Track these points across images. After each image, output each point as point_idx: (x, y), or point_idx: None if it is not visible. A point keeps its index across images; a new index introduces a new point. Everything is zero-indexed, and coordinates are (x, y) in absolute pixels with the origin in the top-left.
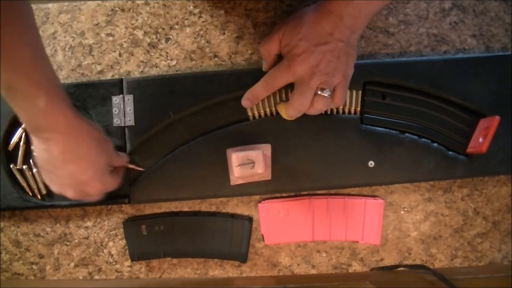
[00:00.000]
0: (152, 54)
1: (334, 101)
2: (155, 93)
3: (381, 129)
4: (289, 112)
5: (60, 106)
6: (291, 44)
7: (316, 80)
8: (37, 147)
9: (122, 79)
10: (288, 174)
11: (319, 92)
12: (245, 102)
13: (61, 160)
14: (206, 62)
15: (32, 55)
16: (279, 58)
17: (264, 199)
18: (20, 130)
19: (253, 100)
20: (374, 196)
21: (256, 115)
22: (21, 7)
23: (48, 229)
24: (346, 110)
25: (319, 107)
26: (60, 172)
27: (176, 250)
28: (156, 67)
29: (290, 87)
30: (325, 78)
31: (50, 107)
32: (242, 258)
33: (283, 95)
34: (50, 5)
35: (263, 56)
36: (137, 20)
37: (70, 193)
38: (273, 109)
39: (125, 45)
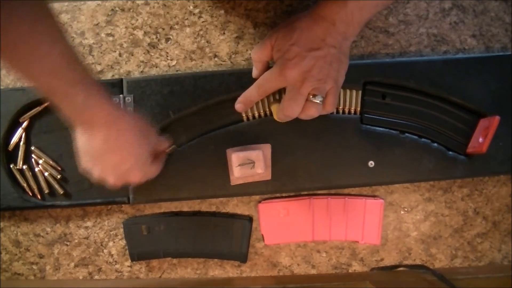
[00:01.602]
0: (152, 54)
1: (325, 107)
2: (155, 93)
3: (381, 129)
4: (279, 116)
5: (99, 100)
6: (283, 49)
7: (307, 86)
8: (79, 137)
9: (122, 79)
10: (288, 174)
11: (310, 98)
12: (238, 106)
13: (103, 149)
14: (206, 62)
15: (62, 57)
16: (270, 66)
17: (264, 199)
18: (20, 130)
19: (246, 103)
20: (374, 196)
21: (256, 115)
22: (44, 12)
23: (48, 229)
24: (346, 110)
25: (310, 113)
26: (102, 161)
27: (176, 250)
28: (156, 67)
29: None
30: (317, 84)
31: (89, 103)
32: (242, 258)
33: (282, 95)
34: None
35: (254, 62)
36: (137, 20)
37: (111, 180)
38: None
39: (125, 45)
